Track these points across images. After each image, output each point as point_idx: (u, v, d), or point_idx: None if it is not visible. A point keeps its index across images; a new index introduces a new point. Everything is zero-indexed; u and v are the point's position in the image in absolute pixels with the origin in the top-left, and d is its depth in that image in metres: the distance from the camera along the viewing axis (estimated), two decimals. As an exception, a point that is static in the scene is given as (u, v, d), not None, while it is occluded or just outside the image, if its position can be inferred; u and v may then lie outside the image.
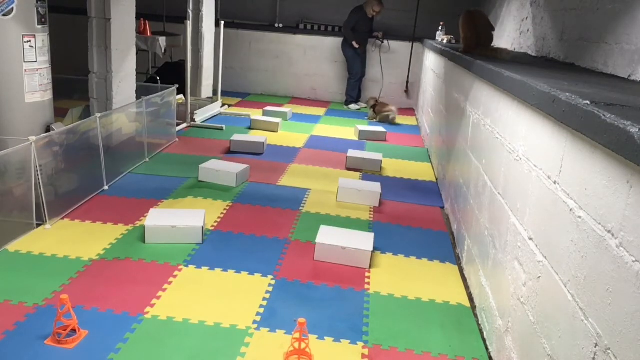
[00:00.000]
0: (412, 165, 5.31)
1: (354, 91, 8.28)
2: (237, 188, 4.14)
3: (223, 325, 2.39)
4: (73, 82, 5.39)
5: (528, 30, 4.94)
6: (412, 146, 6.15)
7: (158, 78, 6.28)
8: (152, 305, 2.49)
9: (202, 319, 2.42)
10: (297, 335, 2.15)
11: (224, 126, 6.08)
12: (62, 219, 3.33)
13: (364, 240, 3.14)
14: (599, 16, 3.32)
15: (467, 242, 3.14)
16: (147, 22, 6.30)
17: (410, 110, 8.47)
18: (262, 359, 2.20)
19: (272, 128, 6.21)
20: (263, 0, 8.55)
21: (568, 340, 1.57)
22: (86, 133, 3.69)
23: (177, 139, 5.38)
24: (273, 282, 2.81)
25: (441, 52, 5.32)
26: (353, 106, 8.23)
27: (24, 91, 3.35)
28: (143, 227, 3.16)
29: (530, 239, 1.99)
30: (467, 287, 2.94)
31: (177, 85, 5.27)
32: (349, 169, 4.94)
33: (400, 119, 7.61)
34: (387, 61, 8.49)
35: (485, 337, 2.49)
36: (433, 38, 7.20)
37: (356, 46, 7.88)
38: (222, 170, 4.20)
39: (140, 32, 6.11)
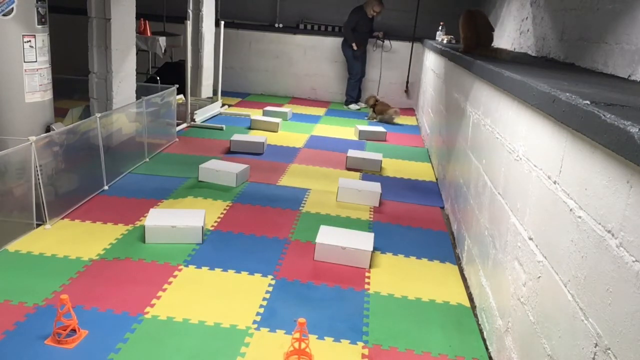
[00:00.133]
0: (412, 165, 5.31)
1: (354, 91, 8.29)
2: (237, 188, 4.14)
3: (223, 325, 2.39)
4: (73, 82, 5.39)
5: (528, 30, 4.95)
6: (412, 146, 6.15)
7: (158, 78, 6.28)
8: (152, 305, 2.49)
9: (202, 319, 2.42)
10: (297, 335, 2.15)
11: (224, 126, 6.08)
12: (62, 219, 3.33)
13: (364, 240, 3.14)
14: (599, 16, 3.32)
15: (467, 242, 3.14)
16: (147, 22, 6.30)
17: (410, 110, 8.47)
18: (262, 359, 2.20)
19: (272, 128, 6.21)
20: (263, 0, 8.55)
21: (568, 340, 1.57)
22: (86, 133, 3.69)
23: (177, 139, 5.38)
24: (273, 282, 2.81)
25: (441, 52, 5.32)
26: (353, 106, 8.23)
27: (24, 91, 3.35)
28: (143, 227, 3.16)
29: (530, 239, 1.99)
30: (467, 287, 2.94)
31: (177, 85, 5.27)
32: (349, 169, 4.94)
33: (400, 119, 7.61)
34: (387, 61, 8.49)
35: (485, 337, 2.49)
36: (433, 38, 7.20)
37: (355, 48, 7.88)
38: (222, 170, 4.20)
39: (140, 32, 6.11)
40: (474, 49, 3.96)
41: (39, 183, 3.08)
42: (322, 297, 2.71)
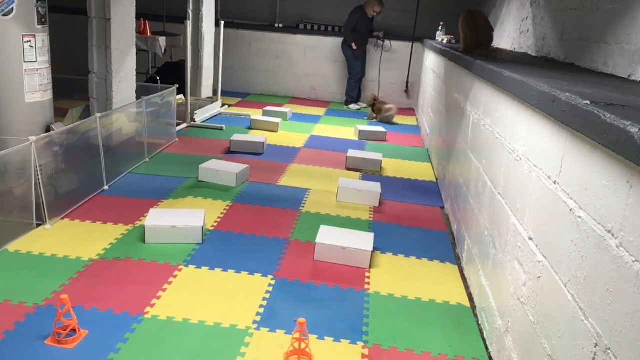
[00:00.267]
0: (412, 165, 5.31)
1: (354, 91, 8.29)
2: (237, 188, 4.14)
3: (223, 325, 2.39)
4: (73, 82, 5.39)
5: (528, 30, 4.95)
6: (412, 146, 6.15)
7: (158, 78, 6.28)
8: (152, 305, 2.49)
9: (202, 319, 2.42)
10: (297, 335, 2.15)
11: (224, 126, 6.08)
12: (62, 219, 3.33)
13: (364, 240, 3.14)
14: (599, 16, 3.32)
15: (467, 242, 3.14)
16: (147, 22, 6.30)
17: (410, 110, 8.47)
18: (262, 359, 2.20)
19: (272, 128, 6.21)
20: (263, 0, 8.55)
21: (568, 340, 1.57)
22: (86, 133, 3.69)
23: (177, 139, 5.38)
24: (273, 282, 2.81)
25: (441, 52, 5.32)
26: (353, 106, 8.23)
27: (24, 91, 3.35)
28: (143, 227, 3.16)
29: (530, 239, 1.99)
30: (467, 287, 2.94)
31: (177, 85, 5.27)
32: (349, 169, 4.94)
33: (400, 119, 7.61)
34: (387, 61, 8.49)
35: (485, 337, 2.49)
36: (433, 38, 7.20)
37: (354, 48, 7.88)
38: (222, 170, 4.20)
39: (140, 32, 6.11)
40: (474, 49, 3.96)
41: (39, 183, 3.08)
42: (322, 297, 2.71)
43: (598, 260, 1.43)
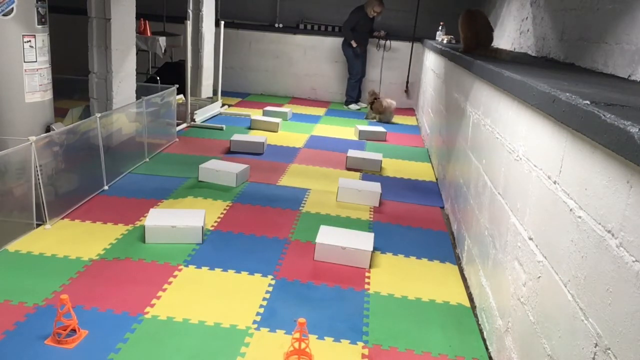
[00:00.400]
0: (412, 165, 5.31)
1: (354, 91, 8.29)
2: (237, 188, 4.14)
3: (223, 325, 2.39)
4: (73, 82, 5.39)
5: (528, 30, 4.95)
6: (412, 146, 6.15)
7: (158, 78, 6.28)
8: (152, 305, 2.49)
9: (202, 319, 2.42)
10: (297, 335, 2.15)
11: (224, 126, 6.08)
12: (62, 219, 3.33)
13: (364, 240, 3.14)
14: (599, 16, 3.32)
15: (467, 242, 3.14)
16: (147, 22, 6.30)
17: (410, 110, 8.47)
18: (262, 359, 2.20)
19: (272, 128, 6.21)
20: (263, 0, 8.55)
21: (568, 340, 1.57)
22: (86, 133, 3.69)
23: (177, 139, 5.38)
24: (273, 282, 2.81)
25: (441, 52, 5.32)
26: (353, 106, 8.23)
27: (24, 91, 3.35)
28: (143, 227, 3.16)
29: (530, 239, 1.99)
30: (467, 287, 2.94)
31: (177, 85, 5.27)
32: (349, 169, 4.94)
33: (400, 119, 7.61)
34: (387, 61, 8.49)
35: (485, 337, 2.49)
36: (433, 38, 7.20)
37: (354, 45, 7.87)
38: (222, 170, 4.20)
39: (140, 32, 6.11)
40: (474, 49, 3.96)
41: (39, 183, 3.08)
42: (322, 297, 2.71)
43: (598, 260, 1.43)
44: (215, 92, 6.83)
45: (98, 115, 3.74)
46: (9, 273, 2.66)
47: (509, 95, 2.48)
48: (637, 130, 1.21)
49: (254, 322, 2.44)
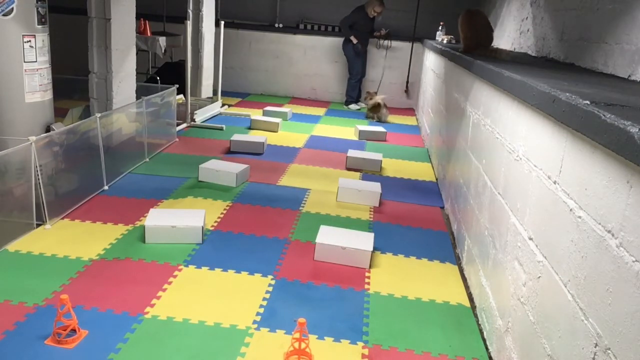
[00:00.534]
0: (412, 165, 5.31)
1: (354, 91, 8.28)
2: (237, 188, 4.14)
3: (223, 325, 2.39)
4: (73, 82, 5.39)
5: (528, 30, 4.95)
6: (412, 146, 6.15)
7: (158, 78, 6.28)
8: (152, 305, 2.49)
9: (202, 319, 2.42)
10: (297, 335, 2.15)
11: (224, 126, 6.08)
12: (62, 219, 3.33)
13: (364, 240, 3.14)
14: (599, 16, 3.32)
15: (467, 242, 3.14)
16: (147, 22, 6.30)
17: (410, 110, 8.47)
18: (262, 359, 2.20)
19: (272, 128, 6.21)
20: (263, 0, 8.55)
21: (568, 340, 1.57)
22: (86, 133, 3.69)
23: (177, 139, 5.38)
24: (273, 282, 2.81)
25: (441, 52, 5.32)
26: (353, 106, 8.23)
27: (24, 91, 3.35)
28: (143, 227, 3.16)
29: (530, 239, 1.99)
30: (467, 287, 2.94)
31: (177, 85, 5.27)
32: (349, 169, 4.94)
33: (400, 119, 7.61)
34: (387, 61, 8.49)
35: (485, 337, 2.49)
36: (433, 38, 7.20)
37: (354, 41, 7.85)
38: (222, 170, 4.20)
39: (140, 32, 6.11)
40: (474, 49, 3.96)
41: (39, 183, 3.08)
42: (322, 297, 2.71)
43: (598, 260, 1.43)
44: (215, 92, 6.83)
45: (98, 115, 3.74)
46: (9, 273, 2.66)
47: (509, 95, 2.48)
48: (637, 130, 1.21)
49: (254, 322, 2.44)
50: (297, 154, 5.32)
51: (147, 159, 4.63)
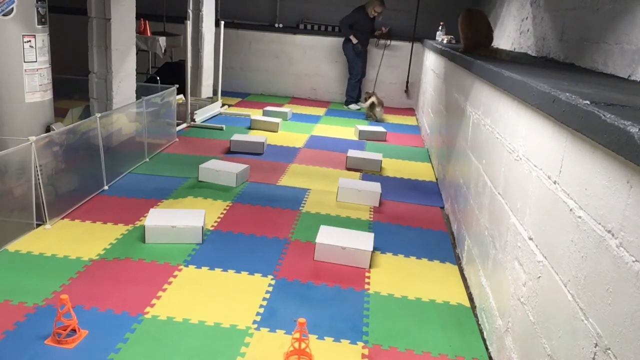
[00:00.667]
0: (412, 165, 5.31)
1: (354, 91, 8.29)
2: (237, 188, 4.14)
3: (223, 325, 2.39)
4: (73, 82, 5.39)
5: (528, 30, 4.95)
6: (412, 146, 6.15)
7: (158, 78, 6.28)
8: (152, 305, 2.49)
9: (202, 319, 2.42)
10: (297, 335, 2.15)
11: (224, 126, 6.08)
12: (62, 219, 3.33)
13: (364, 240, 3.14)
14: (599, 16, 3.32)
15: (467, 242, 3.14)
16: (147, 22, 6.30)
17: (410, 110, 8.47)
18: (262, 359, 2.20)
19: (272, 128, 6.21)
20: (263, 0, 8.55)
21: (568, 340, 1.57)
22: (86, 133, 3.69)
23: (177, 139, 5.38)
24: (273, 282, 2.81)
25: (441, 52, 5.32)
26: (353, 106, 8.23)
27: (24, 91, 3.35)
28: (143, 227, 3.16)
29: (530, 239, 1.99)
30: (467, 287, 2.94)
31: (177, 85, 5.27)
32: (349, 169, 4.94)
33: (400, 119, 7.61)
34: (387, 61, 8.49)
35: (485, 337, 2.49)
36: (433, 38, 7.20)
37: (354, 41, 7.85)
38: (222, 170, 4.20)
39: (140, 32, 6.11)
40: (474, 49, 3.96)
41: (39, 183, 3.08)
42: (322, 297, 2.71)
43: (598, 260, 1.43)
44: (215, 92, 6.83)
45: (98, 115, 3.74)
46: (9, 273, 2.66)
47: (509, 95, 2.48)
48: (637, 130, 1.21)
49: (254, 322, 2.44)
50: (297, 154, 5.32)
51: (147, 159, 4.63)
